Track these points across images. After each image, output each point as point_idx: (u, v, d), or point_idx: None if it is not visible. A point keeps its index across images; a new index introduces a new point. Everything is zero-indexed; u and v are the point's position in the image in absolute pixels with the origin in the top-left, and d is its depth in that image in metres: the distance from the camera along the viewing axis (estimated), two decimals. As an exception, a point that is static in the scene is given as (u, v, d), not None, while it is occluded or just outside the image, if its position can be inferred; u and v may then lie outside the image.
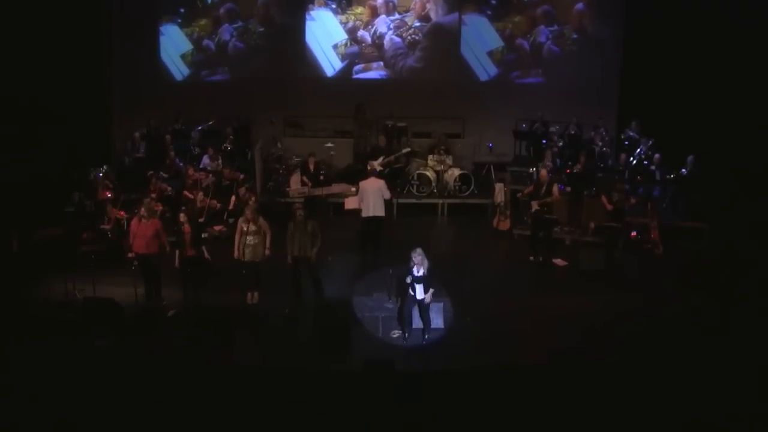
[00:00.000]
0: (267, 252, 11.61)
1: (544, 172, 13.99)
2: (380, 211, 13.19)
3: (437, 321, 10.76)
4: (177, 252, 11.60)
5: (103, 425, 8.30)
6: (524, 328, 11.05)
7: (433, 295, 10.48)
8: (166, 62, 18.65)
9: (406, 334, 10.54)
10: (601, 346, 10.32)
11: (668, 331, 10.64)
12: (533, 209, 13.63)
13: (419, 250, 10.30)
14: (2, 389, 8.71)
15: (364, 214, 13.21)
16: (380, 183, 13.32)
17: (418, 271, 10.26)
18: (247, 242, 11.45)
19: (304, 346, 10.58)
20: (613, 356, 10.09)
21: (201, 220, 13.34)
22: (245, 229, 11.50)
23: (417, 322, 10.62)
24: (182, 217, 11.75)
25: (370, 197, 13.10)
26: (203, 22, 18.68)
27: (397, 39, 18.64)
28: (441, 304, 10.96)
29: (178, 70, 18.77)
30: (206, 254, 11.70)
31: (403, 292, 10.46)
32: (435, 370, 9.90)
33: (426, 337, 10.53)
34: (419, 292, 10.31)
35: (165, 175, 15.52)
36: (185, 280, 11.65)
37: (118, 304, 10.86)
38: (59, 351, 9.72)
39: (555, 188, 13.65)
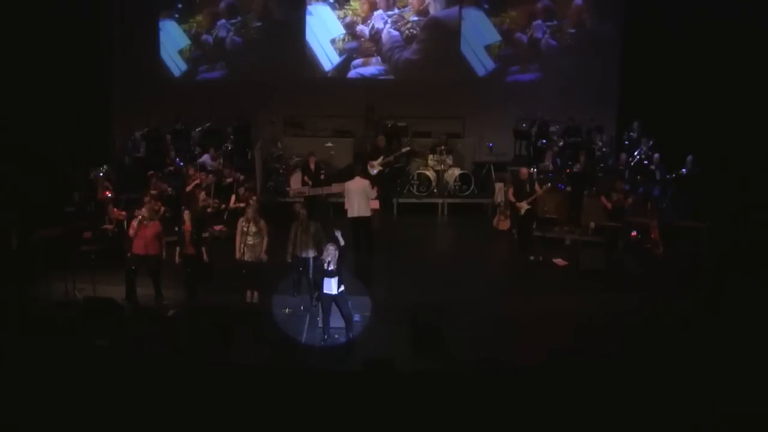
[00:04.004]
0: (264, 256, 11.58)
1: (524, 170, 13.84)
2: (365, 212, 13.16)
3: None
4: (177, 249, 11.61)
5: (103, 425, 8.29)
6: (524, 328, 11.04)
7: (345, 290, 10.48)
8: (165, 60, 18.67)
9: (325, 334, 10.53)
10: (601, 346, 10.32)
11: (668, 331, 10.63)
12: (522, 211, 13.48)
13: (332, 247, 10.29)
14: (2, 389, 8.71)
15: (349, 215, 13.23)
16: (364, 183, 13.30)
17: (329, 266, 10.25)
18: (247, 242, 11.46)
19: (303, 345, 10.59)
20: (612, 356, 10.08)
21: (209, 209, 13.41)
22: (245, 229, 11.50)
23: (337, 322, 10.63)
24: (186, 215, 11.76)
25: (354, 197, 13.10)
26: (200, 17, 18.69)
27: (395, 33, 18.66)
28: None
29: (176, 65, 18.79)
30: (205, 256, 11.69)
31: (317, 286, 10.47)
32: (435, 370, 9.90)
33: (350, 335, 10.51)
34: (330, 286, 10.27)
35: (171, 170, 15.51)
36: (185, 280, 11.67)
37: (118, 304, 10.87)
38: (59, 351, 9.71)
39: (537, 186, 13.50)
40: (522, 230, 13.80)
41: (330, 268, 10.24)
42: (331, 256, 10.24)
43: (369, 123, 17.96)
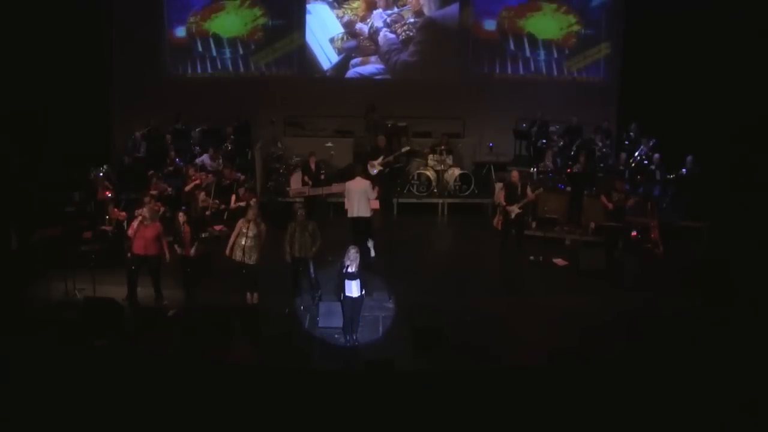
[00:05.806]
0: (255, 260, 11.49)
1: (515, 173, 13.71)
2: (365, 212, 13.14)
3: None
4: (176, 247, 11.63)
5: (103, 425, 8.30)
6: (524, 328, 11.04)
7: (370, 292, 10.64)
8: (165, 60, 18.64)
9: (348, 336, 10.54)
10: (601, 346, 10.33)
11: (668, 331, 10.64)
12: (513, 214, 13.35)
13: (353, 249, 10.34)
14: (2, 389, 8.71)
15: (349, 215, 13.22)
16: (365, 183, 13.26)
17: (351, 268, 10.26)
18: (241, 243, 11.38)
19: (303, 345, 10.59)
20: (612, 356, 10.09)
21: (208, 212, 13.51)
22: (244, 230, 11.46)
23: (336, 322, 10.65)
24: (181, 217, 11.75)
25: (355, 198, 13.08)
26: (198, 17, 18.68)
27: (391, 35, 18.66)
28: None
29: (176, 65, 18.77)
30: (192, 251, 11.70)
31: (339, 288, 10.46)
32: (435, 370, 9.90)
33: (354, 337, 10.54)
34: (352, 289, 10.28)
35: (171, 170, 15.52)
36: (185, 280, 11.66)
37: (118, 304, 10.88)
38: (59, 351, 9.71)
39: (528, 189, 13.40)
40: (508, 232, 13.63)
41: (351, 271, 10.25)
42: (352, 259, 10.25)
43: (369, 123, 17.92)
